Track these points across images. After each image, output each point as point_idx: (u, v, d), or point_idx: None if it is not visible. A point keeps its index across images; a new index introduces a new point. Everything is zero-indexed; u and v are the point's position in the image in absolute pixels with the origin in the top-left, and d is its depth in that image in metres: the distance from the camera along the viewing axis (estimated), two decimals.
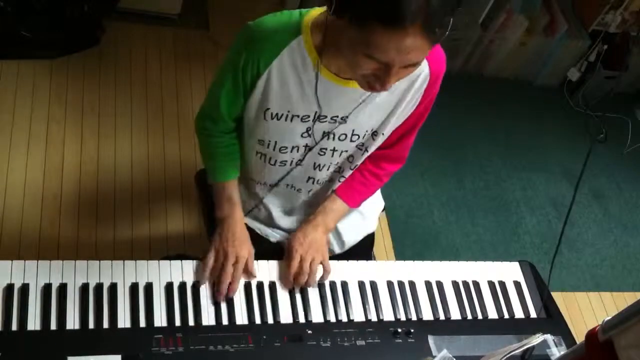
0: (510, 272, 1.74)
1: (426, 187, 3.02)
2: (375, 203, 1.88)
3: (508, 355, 1.40)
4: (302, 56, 1.40)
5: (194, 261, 1.54)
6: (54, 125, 2.66)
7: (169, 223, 2.54)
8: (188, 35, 3.13)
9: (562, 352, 1.52)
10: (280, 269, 1.58)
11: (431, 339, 1.52)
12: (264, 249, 1.66)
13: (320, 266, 1.59)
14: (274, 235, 1.77)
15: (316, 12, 1.40)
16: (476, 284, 1.68)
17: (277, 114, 1.48)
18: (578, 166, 3.31)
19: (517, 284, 1.71)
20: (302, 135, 1.53)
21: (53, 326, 1.35)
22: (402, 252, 2.75)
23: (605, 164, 3.45)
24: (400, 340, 1.50)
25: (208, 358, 1.37)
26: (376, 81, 1.28)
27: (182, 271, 1.51)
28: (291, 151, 1.56)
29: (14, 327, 1.34)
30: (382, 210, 1.98)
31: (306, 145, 1.56)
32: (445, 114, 3.36)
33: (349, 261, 1.65)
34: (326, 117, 1.49)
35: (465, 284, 1.67)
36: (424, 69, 1.47)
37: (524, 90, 3.64)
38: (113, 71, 2.90)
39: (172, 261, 1.53)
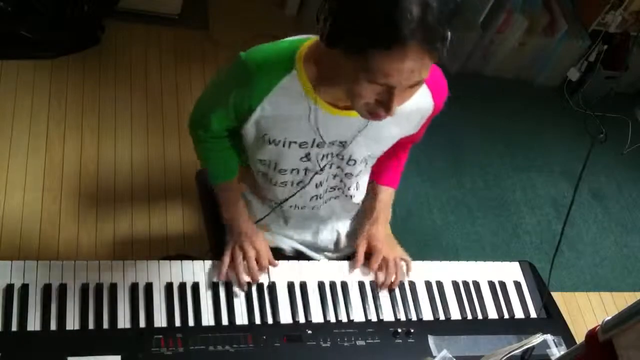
0: (510, 272, 1.74)
1: (426, 187, 3.02)
2: None
3: (508, 355, 1.40)
4: (296, 90, 1.37)
5: (194, 261, 1.54)
6: (54, 125, 2.66)
7: (169, 223, 2.54)
8: (188, 35, 3.13)
9: (562, 352, 1.52)
10: (351, 270, 1.62)
11: (431, 339, 1.52)
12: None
13: (403, 262, 1.64)
14: (287, 248, 1.76)
15: (310, 42, 1.37)
16: (476, 284, 1.68)
17: (274, 140, 1.47)
18: (578, 166, 3.30)
19: (517, 284, 1.71)
20: (301, 159, 1.52)
21: (53, 326, 1.35)
22: None
23: (605, 164, 3.45)
24: (400, 341, 1.50)
25: (208, 358, 1.37)
26: (379, 107, 1.25)
27: (182, 271, 1.51)
28: (290, 173, 1.55)
29: (14, 327, 1.34)
30: None
31: (306, 169, 1.55)
32: (445, 114, 3.35)
33: (349, 261, 1.65)
34: (324, 142, 1.48)
35: (465, 284, 1.67)
36: (427, 104, 1.48)
37: (524, 90, 3.63)
38: (113, 71, 2.89)
39: (172, 261, 1.53)
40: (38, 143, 2.60)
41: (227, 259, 1.54)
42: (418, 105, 1.45)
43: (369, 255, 1.65)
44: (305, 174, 1.56)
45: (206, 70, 3.03)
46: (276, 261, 1.58)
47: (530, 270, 1.75)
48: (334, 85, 1.35)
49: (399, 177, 1.76)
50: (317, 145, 1.48)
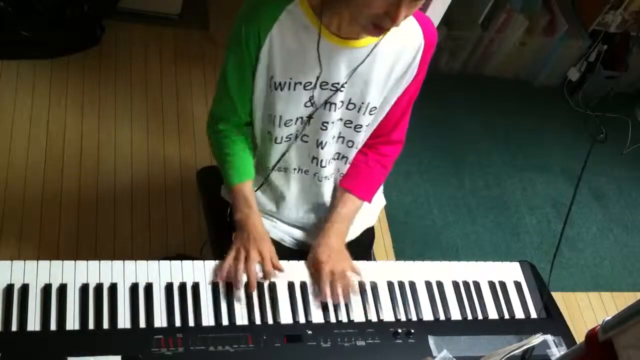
0: (510, 272, 1.74)
1: (426, 187, 3.02)
2: (375, 198, 1.88)
3: (508, 355, 1.40)
4: (300, 19, 1.40)
5: (194, 261, 1.54)
6: (54, 125, 2.66)
7: (169, 223, 2.54)
8: (188, 35, 3.13)
9: (562, 352, 1.52)
10: (305, 274, 1.59)
11: (431, 339, 1.52)
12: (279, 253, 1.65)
13: (350, 273, 1.59)
14: (291, 241, 1.77)
15: None
16: (476, 284, 1.68)
17: (280, 83, 1.48)
18: (578, 166, 3.31)
19: (517, 284, 1.71)
20: (305, 105, 1.53)
21: (53, 326, 1.35)
22: (402, 252, 2.75)
23: (605, 164, 3.45)
24: (401, 341, 1.50)
25: (208, 358, 1.37)
26: (385, 19, 1.27)
27: (182, 271, 1.51)
28: (295, 123, 1.56)
29: (14, 327, 1.34)
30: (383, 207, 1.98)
31: (309, 116, 1.56)
32: (445, 114, 3.36)
33: None
34: (327, 83, 1.49)
35: (466, 284, 1.67)
36: (418, 37, 1.49)
37: (524, 90, 3.64)
38: (113, 71, 2.90)
39: (172, 261, 1.52)
40: (38, 143, 2.60)
41: (230, 258, 1.54)
42: (407, 40, 1.48)
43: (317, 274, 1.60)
44: (309, 122, 1.56)
45: (206, 70, 3.03)
46: (281, 265, 1.57)
47: (530, 270, 1.75)
48: (338, 11, 1.37)
49: (374, 191, 1.73)
50: (320, 86, 1.49)
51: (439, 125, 3.13)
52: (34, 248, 2.35)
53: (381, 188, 1.86)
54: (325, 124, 1.57)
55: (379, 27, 1.30)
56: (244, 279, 1.52)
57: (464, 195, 3.07)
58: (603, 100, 3.54)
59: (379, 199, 1.92)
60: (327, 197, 1.75)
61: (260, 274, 1.54)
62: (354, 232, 1.84)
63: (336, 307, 1.54)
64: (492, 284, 1.69)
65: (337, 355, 1.45)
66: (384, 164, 1.72)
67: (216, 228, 1.90)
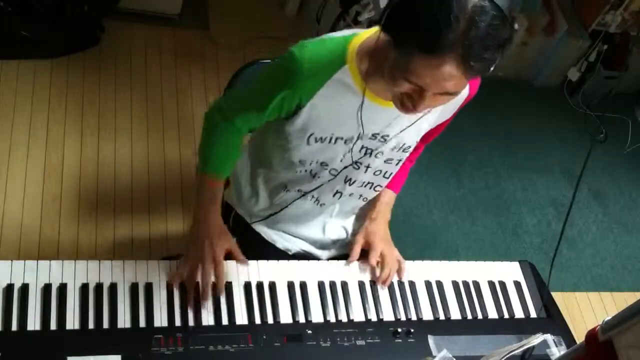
0: (510, 272, 1.74)
1: (426, 187, 3.02)
2: None
3: (508, 355, 1.40)
4: (346, 83, 1.40)
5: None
6: (54, 125, 2.66)
7: (169, 223, 2.54)
8: (188, 35, 3.13)
9: (562, 352, 1.52)
10: (351, 267, 1.63)
11: (431, 339, 1.52)
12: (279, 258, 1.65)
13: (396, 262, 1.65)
14: (294, 248, 1.76)
15: (362, 37, 1.39)
16: (476, 284, 1.68)
17: (320, 138, 1.48)
18: (578, 166, 3.30)
19: (517, 284, 1.71)
20: (343, 155, 1.53)
21: (53, 326, 1.35)
22: (402, 252, 2.73)
23: (605, 164, 3.45)
24: (400, 340, 1.50)
25: (208, 358, 1.37)
26: (409, 101, 1.28)
27: None
28: (331, 166, 1.56)
29: (14, 327, 1.34)
30: None
31: (344, 164, 1.57)
32: None
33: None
34: (367, 134, 1.49)
35: (465, 284, 1.67)
36: (464, 94, 1.51)
37: (524, 90, 3.64)
38: (113, 71, 2.90)
39: (172, 261, 1.52)
40: (38, 143, 2.60)
41: (182, 275, 1.49)
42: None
43: (366, 252, 1.66)
44: (343, 167, 1.57)
45: (206, 70, 3.03)
46: (245, 260, 1.55)
47: (530, 270, 1.75)
48: (380, 77, 1.36)
49: (402, 183, 1.77)
50: (360, 138, 1.50)
51: None
52: (34, 248, 2.35)
53: None
54: (358, 164, 1.56)
55: (405, 106, 1.30)
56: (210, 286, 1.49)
57: (464, 195, 3.06)
58: (603, 100, 3.54)
59: None
60: (335, 213, 1.75)
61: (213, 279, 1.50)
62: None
63: (336, 307, 1.54)
64: (492, 284, 1.69)
65: (337, 355, 1.45)
66: (411, 159, 1.75)
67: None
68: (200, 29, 3.17)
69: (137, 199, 2.57)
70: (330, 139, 1.48)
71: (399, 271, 1.65)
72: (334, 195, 1.64)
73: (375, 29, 1.37)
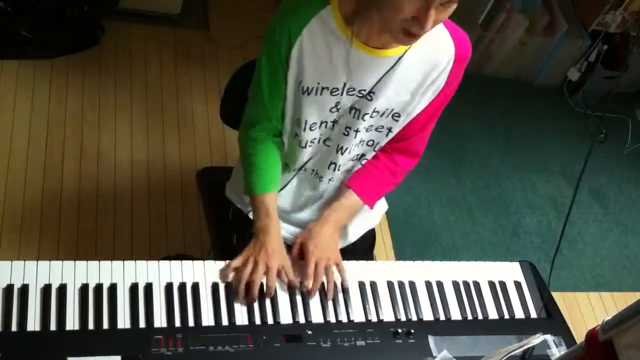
0: (510, 272, 1.74)
1: (426, 187, 3.02)
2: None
3: (508, 355, 1.40)
4: (330, 26, 1.41)
5: (194, 261, 1.54)
6: (53, 126, 2.66)
7: (169, 223, 2.54)
8: (188, 35, 3.13)
9: (562, 352, 1.52)
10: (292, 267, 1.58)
11: (431, 339, 1.52)
12: None
13: (335, 268, 1.58)
14: (285, 236, 1.76)
15: None
16: (476, 284, 1.68)
17: (308, 88, 1.49)
18: (578, 166, 3.32)
19: (517, 284, 1.71)
20: (330, 110, 1.53)
21: (53, 327, 1.35)
22: (402, 251, 2.76)
23: (605, 164, 3.45)
24: (401, 341, 1.50)
25: (208, 358, 1.37)
26: (414, 25, 1.27)
27: (182, 271, 1.51)
28: (319, 127, 1.56)
29: (14, 327, 1.33)
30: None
31: (334, 121, 1.56)
32: (445, 113, 3.35)
33: (349, 261, 1.64)
34: (354, 89, 1.49)
35: (466, 284, 1.67)
36: (449, 50, 1.49)
37: (524, 90, 3.64)
38: (113, 71, 2.90)
39: (172, 261, 1.52)
40: (38, 143, 2.60)
41: (236, 263, 1.52)
42: (438, 52, 1.48)
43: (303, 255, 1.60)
44: (333, 127, 1.57)
45: (206, 70, 3.03)
46: (294, 280, 1.55)
47: (530, 270, 1.75)
48: (368, 20, 1.37)
49: (375, 194, 1.71)
50: (347, 92, 1.49)
51: (439, 125, 3.10)
52: (34, 248, 2.35)
53: None
54: (348, 129, 1.57)
55: (409, 33, 1.30)
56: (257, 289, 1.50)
57: (464, 195, 3.06)
58: (603, 100, 3.54)
59: (381, 203, 1.91)
60: (323, 195, 1.74)
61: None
62: (355, 234, 1.84)
63: (336, 307, 1.54)
64: (492, 284, 1.69)
65: (337, 355, 1.45)
66: (394, 172, 1.69)
67: (218, 228, 1.90)
68: (200, 29, 3.18)
69: (137, 198, 2.57)
70: (317, 89, 1.48)
71: (341, 272, 1.58)
72: (328, 167, 1.65)
73: None
